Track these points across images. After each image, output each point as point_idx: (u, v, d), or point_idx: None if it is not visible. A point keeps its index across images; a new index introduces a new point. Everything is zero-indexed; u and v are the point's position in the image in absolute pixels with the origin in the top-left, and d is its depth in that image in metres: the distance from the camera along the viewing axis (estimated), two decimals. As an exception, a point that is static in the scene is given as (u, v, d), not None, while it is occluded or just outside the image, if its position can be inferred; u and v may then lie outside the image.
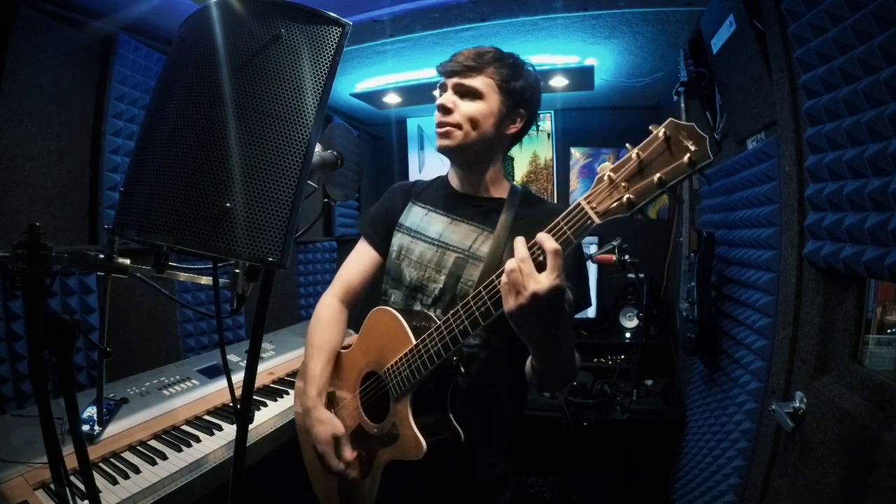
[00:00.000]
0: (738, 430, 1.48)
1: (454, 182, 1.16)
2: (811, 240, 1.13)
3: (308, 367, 1.14)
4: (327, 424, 1.05)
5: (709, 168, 0.65)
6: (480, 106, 1.03)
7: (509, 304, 0.73)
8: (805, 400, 1.11)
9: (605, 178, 0.70)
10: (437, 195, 1.17)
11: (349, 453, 1.04)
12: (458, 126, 1.03)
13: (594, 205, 0.71)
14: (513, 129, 1.08)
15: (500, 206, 1.08)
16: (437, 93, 1.10)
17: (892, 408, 0.88)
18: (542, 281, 0.70)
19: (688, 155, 0.63)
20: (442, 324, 0.89)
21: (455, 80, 1.04)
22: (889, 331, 1.10)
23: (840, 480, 0.96)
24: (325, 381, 1.12)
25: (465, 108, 1.03)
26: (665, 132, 0.65)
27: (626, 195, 0.68)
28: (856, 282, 1.06)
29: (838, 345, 1.09)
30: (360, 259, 1.23)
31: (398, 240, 1.15)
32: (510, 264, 0.73)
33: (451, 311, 0.87)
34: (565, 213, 0.73)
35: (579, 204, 0.72)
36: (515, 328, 0.77)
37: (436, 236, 1.10)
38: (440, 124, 1.05)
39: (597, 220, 0.71)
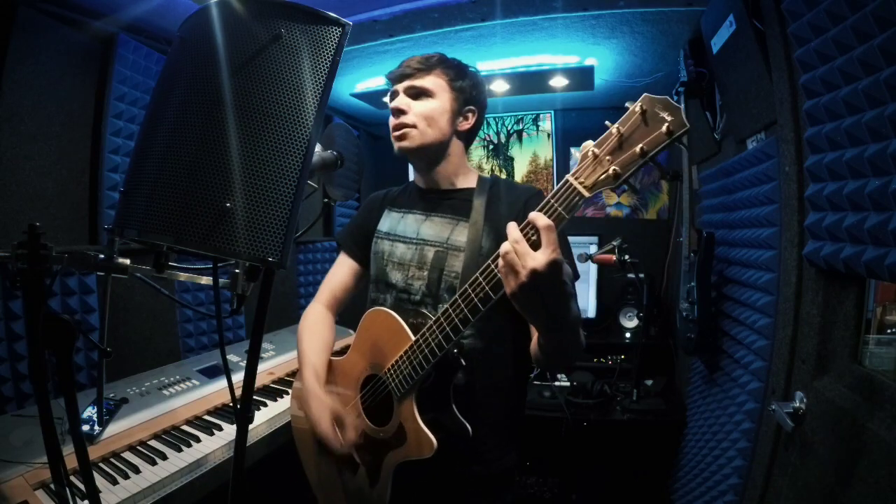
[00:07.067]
0: (738, 430, 1.48)
1: (421, 183, 1.18)
2: (811, 240, 1.12)
3: (302, 355, 1.13)
4: (326, 402, 1.03)
5: (686, 136, 0.67)
6: (433, 104, 1.07)
7: (510, 284, 0.73)
8: (805, 400, 1.11)
9: (589, 153, 0.72)
10: (408, 198, 1.19)
11: (352, 434, 1.01)
12: (414, 126, 1.06)
13: (581, 179, 0.73)
14: (466, 126, 1.11)
15: (470, 194, 1.10)
16: (387, 100, 1.13)
17: (892, 408, 0.88)
18: (539, 257, 0.70)
19: (665, 125, 0.66)
20: (441, 315, 0.88)
21: (406, 83, 1.08)
22: (889, 331, 1.10)
23: (840, 480, 0.96)
24: (321, 363, 1.11)
25: (419, 108, 1.06)
26: (641, 106, 0.69)
27: (612, 167, 0.70)
28: (856, 282, 1.06)
29: (838, 345, 1.09)
30: (341, 270, 1.27)
31: (378, 246, 1.17)
32: (505, 247, 0.73)
33: (450, 302, 0.87)
34: (555, 190, 0.74)
35: (567, 180, 0.74)
36: (520, 309, 0.77)
37: (413, 235, 1.12)
38: (395, 127, 1.08)
39: (586, 194, 0.72)
